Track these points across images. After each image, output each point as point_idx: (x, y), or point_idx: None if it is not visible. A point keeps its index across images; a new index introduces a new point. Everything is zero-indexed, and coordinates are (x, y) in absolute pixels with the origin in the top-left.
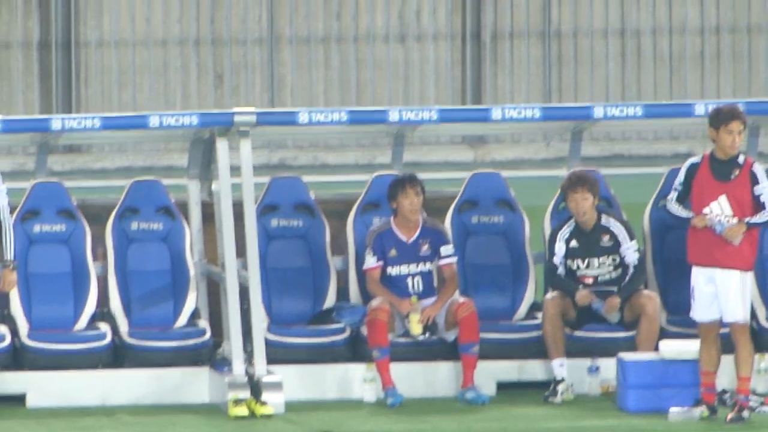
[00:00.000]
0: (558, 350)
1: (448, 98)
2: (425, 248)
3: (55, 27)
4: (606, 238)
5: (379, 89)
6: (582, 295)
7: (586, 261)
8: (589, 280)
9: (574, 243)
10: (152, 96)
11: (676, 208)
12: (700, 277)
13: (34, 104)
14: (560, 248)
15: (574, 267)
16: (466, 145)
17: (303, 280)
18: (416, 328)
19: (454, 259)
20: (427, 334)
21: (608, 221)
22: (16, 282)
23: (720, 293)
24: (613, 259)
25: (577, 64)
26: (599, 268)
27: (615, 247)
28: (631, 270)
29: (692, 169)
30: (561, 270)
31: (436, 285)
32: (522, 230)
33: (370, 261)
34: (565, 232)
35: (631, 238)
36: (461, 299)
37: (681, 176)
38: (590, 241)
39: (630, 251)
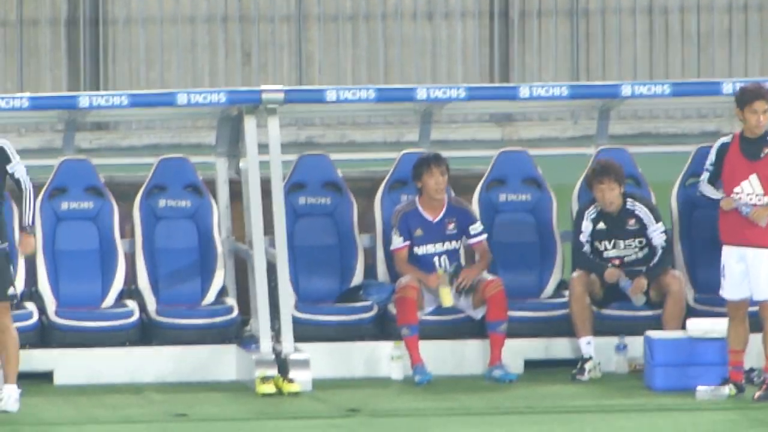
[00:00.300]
0: (585, 329)
1: (476, 76)
2: (451, 227)
3: (83, 4)
4: (632, 221)
5: (407, 67)
6: (610, 273)
7: (612, 242)
8: (617, 261)
9: (601, 225)
10: (180, 73)
11: (708, 190)
12: (731, 255)
13: (61, 81)
14: (587, 227)
15: (601, 248)
16: (493, 123)
17: (330, 258)
18: (447, 299)
19: (484, 236)
20: (461, 299)
21: (633, 205)
22: (34, 246)
23: (751, 272)
24: (640, 242)
25: (605, 42)
26: (625, 249)
27: (641, 230)
28: (659, 251)
29: (723, 149)
30: (587, 248)
31: (464, 262)
32: (549, 208)
33: (397, 241)
34: (591, 211)
35: (657, 220)
36: (489, 277)
37: (712, 156)
38: (616, 225)
39: (656, 233)
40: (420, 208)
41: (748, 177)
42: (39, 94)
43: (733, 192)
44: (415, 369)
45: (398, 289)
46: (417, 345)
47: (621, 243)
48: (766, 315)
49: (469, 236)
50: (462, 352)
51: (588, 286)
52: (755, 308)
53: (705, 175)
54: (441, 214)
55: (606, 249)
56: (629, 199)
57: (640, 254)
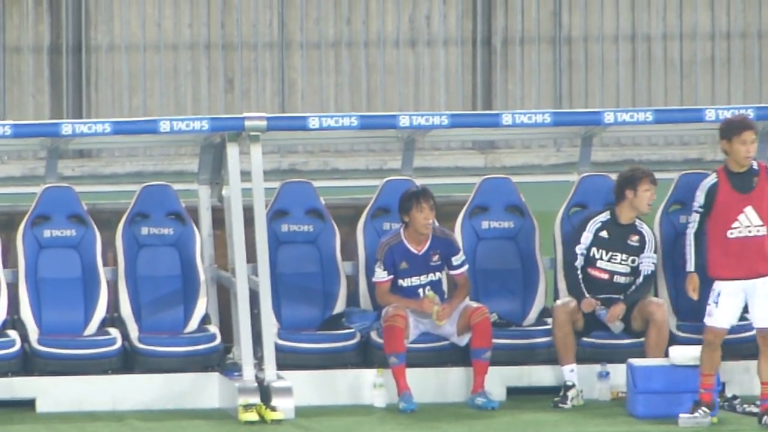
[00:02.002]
0: (568, 356)
1: (459, 103)
2: (435, 258)
3: (65, 31)
4: (635, 238)
5: (390, 94)
6: (586, 303)
7: (609, 254)
8: (604, 276)
9: (604, 233)
10: (163, 101)
11: (690, 249)
12: (727, 288)
13: (44, 108)
14: (587, 238)
15: (597, 256)
16: (476, 150)
17: (313, 285)
18: (440, 317)
19: (465, 267)
20: (446, 326)
21: (642, 225)
22: None
23: (755, 301)
24: (633, 261)
25: (588, 69)
26: (620, 265)
27: (639, 249)
28: (640, 279)
29: (712, 190)
30: (580, 261)
31: (447, 291)
32: (532, 236)
33: (381, 275)
34: (597, 221)
35: (654, 250)
36: (475, 304)
37: (701, 198)
38: (620, 237)
39: (648, 260)
40: (405, 241)
41: (743, 210)
42: (22, 121)
43: (731, 228)
44: (402, 396)
45: (386, 318)
46: (404, 373)
47: (618, 257)
48: (766, 342)
49: (451, 267)
50: (445, 379)
51: (572, 314)
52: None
53: (695, 219)
54: (426, 247)
55: (601, 258)
56: (638, 221)
57: (625, 279)
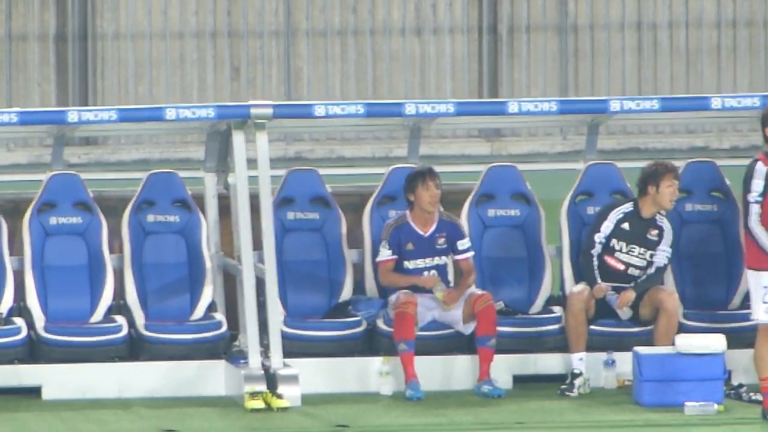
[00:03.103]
0: (579, 344)
1: (465, 91)
2: (441, 242)
3: (71, 19)
4: (654, 232)
5: (396, 82)
6: (598, 289)
7: (629, 246)
8: (620, 266)
9: (626, 225)
10: (168, 88)
11: (763, 234)
12: None
13: (50, 96)
14: (607, 227)
15: (617, 248)
16: (482, 138)
17: (319, 273)
18: (447, 301)
19: (470, 254)
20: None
21: (662, 219)
22: None
23: None
24: (650, 255)
25: (594, 57)
26: (637, 257)
27: (657, 243)
28: (652, 270)
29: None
30: (597, 249)
31: (453, 277)
32: (538, 224)
33: (386, 253)
34: (620, 211)
35: (671, 244)
36: (479, 292)
37: (760, 186)
38: (641, 229)
39: (663, 253)
40: (411, 222)
41: None
42: (28, 109)
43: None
44: (409, 384)
45: (398, 305)
46: (413, 361)
47: (636, 249)
48: None
49: (456, 252)
50: (451, 367)
51: (586, 302)
52: (732, 324)
53: (757, 209)
54: (432, 229)
55: (621, 250)
56: (659, 216)
57: (640, 272)
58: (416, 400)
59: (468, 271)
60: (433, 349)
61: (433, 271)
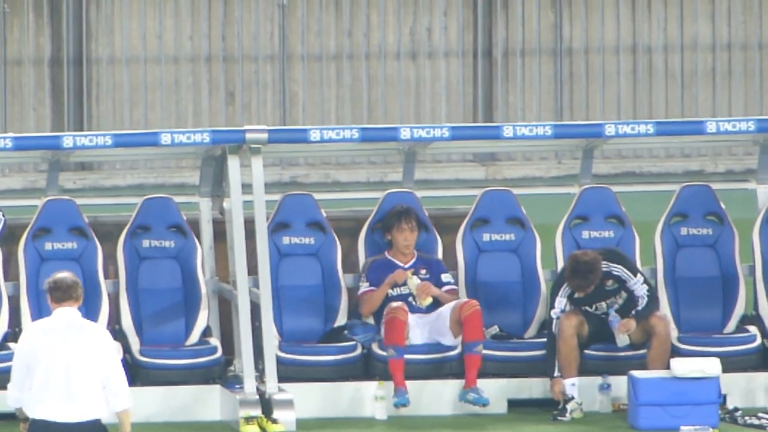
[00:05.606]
0: (571, 370)
1: (460, 116)
2: (423, 272)
3: (66, 44)
4: (609, 282)
5: (391, 106)
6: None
7: (593, 306)
8: (598, 312)
9: (578, 295)
10: (164, 113)
11: None
12: None
13: (45, 121)
14: (560, 302)
15: (584, 307)
16: (477, 162)
17: (314, 297)
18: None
19: (455, 286)
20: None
21: (608, 266)
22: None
23: None
24: (621, 295)
25: (589, 81)
26: (608, 306)
27: (621, 286)
28: (644, 300)
29: None
30: (555, 325)
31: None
32: (533, 248)
33: (364, 285)
34: (566, 289)
35: (635, 273)
36: (464, 299)
37: None
38: (595, 291)
39: (637, 286)
40: (390, 258)
41: None
42: (23, 134)
43: None
44: (396, 391)
45: (389, 311)
46: (401, 368)
47: (603, 304)
48: None
49: (441, 284)
50: (443, 391)
51: (577, 327)
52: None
53: None
54: (412, 261)
55: (588, 309)
56: (604, 263)
57: (622, 301)
58: (402, 407)
59: (453, 296)
60: (425, 373)
61: (411, 272)
